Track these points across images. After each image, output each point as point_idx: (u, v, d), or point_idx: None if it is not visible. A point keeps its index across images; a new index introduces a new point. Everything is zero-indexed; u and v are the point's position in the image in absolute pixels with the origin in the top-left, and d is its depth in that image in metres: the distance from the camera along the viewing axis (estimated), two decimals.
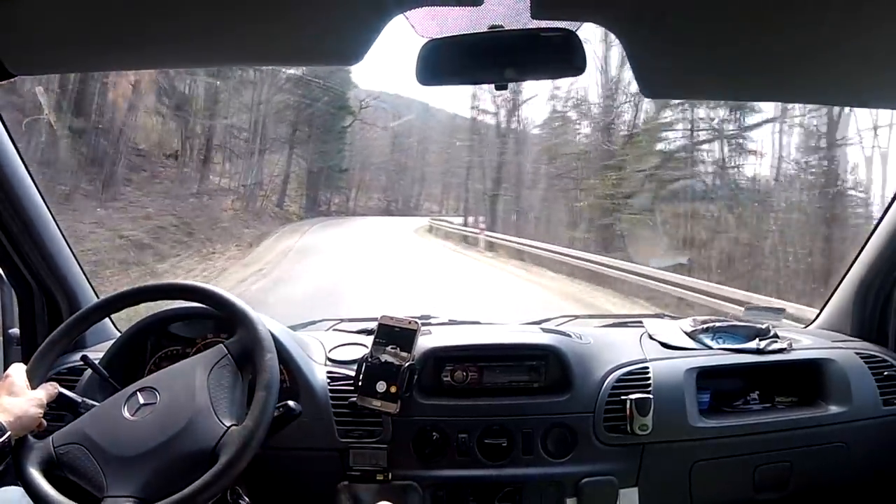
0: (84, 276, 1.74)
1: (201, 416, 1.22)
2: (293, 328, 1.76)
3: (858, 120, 9.90)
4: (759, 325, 1.80)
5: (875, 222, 1.83)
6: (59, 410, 1.32)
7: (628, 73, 13.41)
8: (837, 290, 1.95)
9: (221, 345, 1.33)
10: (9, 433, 1.16)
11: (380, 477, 1.52)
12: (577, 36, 1.33)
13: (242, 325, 1.33)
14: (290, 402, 1.30)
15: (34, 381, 1.28)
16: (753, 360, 1.70)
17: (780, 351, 1.71)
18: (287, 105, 19.33)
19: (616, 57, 13.50)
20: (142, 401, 1.25)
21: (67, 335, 1.38)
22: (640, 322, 1.92)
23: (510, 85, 1.47)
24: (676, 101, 12.03)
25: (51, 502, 1.17)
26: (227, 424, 1.21)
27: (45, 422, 1.27)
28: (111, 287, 7.58)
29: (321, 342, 1.70)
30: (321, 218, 20.87)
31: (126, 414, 1.23)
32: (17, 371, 1.29)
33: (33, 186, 1.57)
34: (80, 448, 1.21)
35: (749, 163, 12.00)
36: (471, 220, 19.36)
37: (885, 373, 1.70)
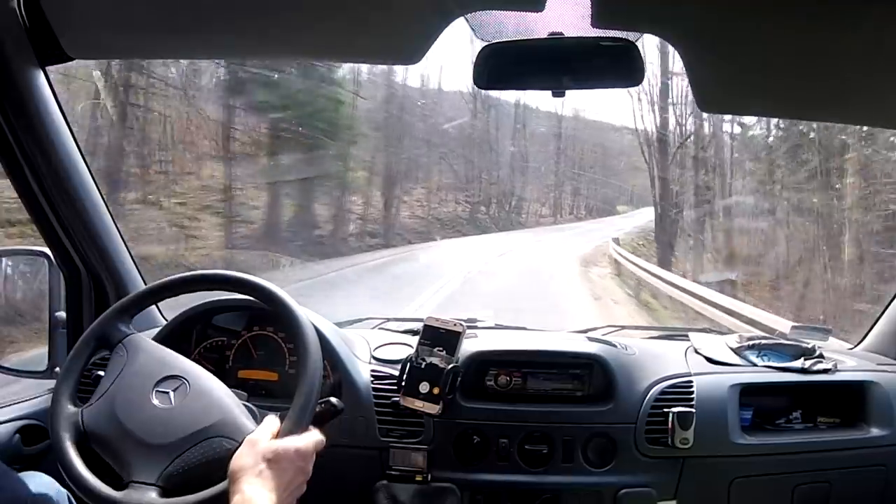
0: (133, 262, 1.75)
1: (228, 415, 1.21)
2: (339, 325, 1.76)
3: None
4: (804, 345, 1.78)
5: None
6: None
7: None
8: (885, 313, 1.93)
9: None
10: None
11: (419, 478, 1.52)
12: (636, 47, 1.32)
13: (288, 319, 1.34)
14: (333, 399, 1.30)
15: (67, 385, 1.29)
16: (797, 379, 1.69)
17: (825, 371, 1.69)
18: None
19: None
20: (171, 389, 1.25)
21: (95, 338, 1.36)
22: (686, 336, 1.91)
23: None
24: None
25: (82, 480, 1.17)
26: (253, 428, 1.20)
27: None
28: None
29: (367, 340, 1.70)
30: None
31: (155, 401, 1.23)
32: (274, 426, 1.18)
33: (86, 170, 1.58)
34: (110, 427, 1.21)
35: None
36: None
37: None
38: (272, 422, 1.18)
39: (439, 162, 24.15)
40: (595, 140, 29.13)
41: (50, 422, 1.25)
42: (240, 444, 1.15)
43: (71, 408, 1.25)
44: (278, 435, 1.15)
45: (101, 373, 1.31)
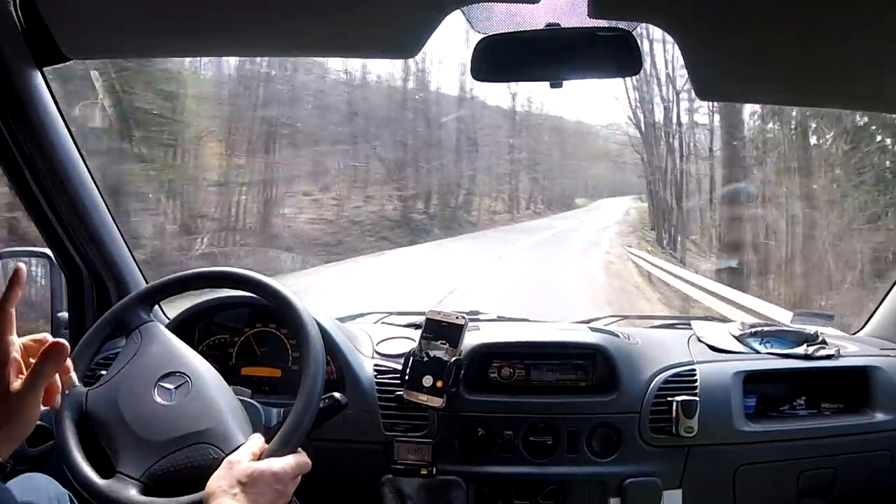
0: (134, 262, 1.75)
1: (221, 424, 1.20)
2: (342, 320, 1.76)
3: None
4: (807, 331, 1.79)
5: None
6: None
7: None
8: (887, 298, 1.93)
9: None
10: None
11: (424, 471, 1.51)
12: (633, 36, 1.33)
13: (290, 315, 1.34)
14: (336, 394, 1.30)
15: (80, 365, 1.28)
16: (801, 366, 1.69)
17: (828, 357, 1.70)
18: None
19: None
20: (173, 386, 1.25)
21: (117, 320, 1.39)
22: (689, 324, 1.92)
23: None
24: None
25: (72, 459, 1.19)
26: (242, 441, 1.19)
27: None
28: None
29: (369, 335, 1.70)
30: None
31: (156, 397, 1.23)
32: (256, 446, 1.16)
33: (86, 170, 1.58)
34: (109, 413, 1.22)
35: None
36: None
37: None
38: (255, 441, 1.16)
39: (353, 145, 18.25)
40: (551, 125, 26.74)
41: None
42: (225, 457, 1.13)
43: (79, 386, 1.25)
44: (260, 456, 1.13)
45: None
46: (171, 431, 1.18)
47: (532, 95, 25.09)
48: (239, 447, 1.15)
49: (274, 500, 1.08)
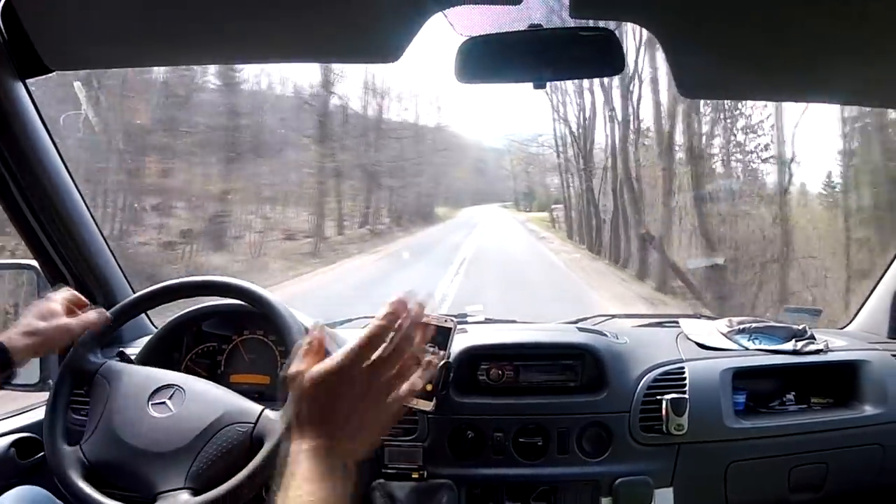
0: (121, 272, 1.75)
1: (232, 405, 1.25)
2: (330, 325, 1.76)
3: None
4: (795, 327, 1.79)
5: None
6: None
7: None
8: (874, 292, 1.94)
9: None
10: (14, 365, 1.22)
11: (415, 475, 1.52)
12: (615, 36, 1.33)
13: (277, 321, 1.34)
14: None
15: (56, 430, 1.30)
16: (789, 361, 1.69)
17: (817, 352, 1.70)
18: None
19: None
20: (167, 398, 1.26)
21: (104, 330, 1.40)
22: (677, 322, 1.92)
23: None
24: None
25: None
26: (260, 408, 1.24)
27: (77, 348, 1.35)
28: None
29: None
30: None
31: (154, 413, 1.25)
32: (60, 294, 1.34)
33: (70, 181, 1.58)
34: (117, 451, 1.23)
35: None
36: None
37: None
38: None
39: None
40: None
41: (54, 467, 1.25)
42: (255, 425, 1.19)
43: (68, 447, 1.26)
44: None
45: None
46: (189, 434, 1.20)
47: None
48: (263, 412, 1.22)
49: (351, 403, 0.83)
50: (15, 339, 1.22)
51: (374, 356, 0.84)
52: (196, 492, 1.16)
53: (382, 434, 0.87)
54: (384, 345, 0.84)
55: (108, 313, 1.37)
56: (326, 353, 1.43)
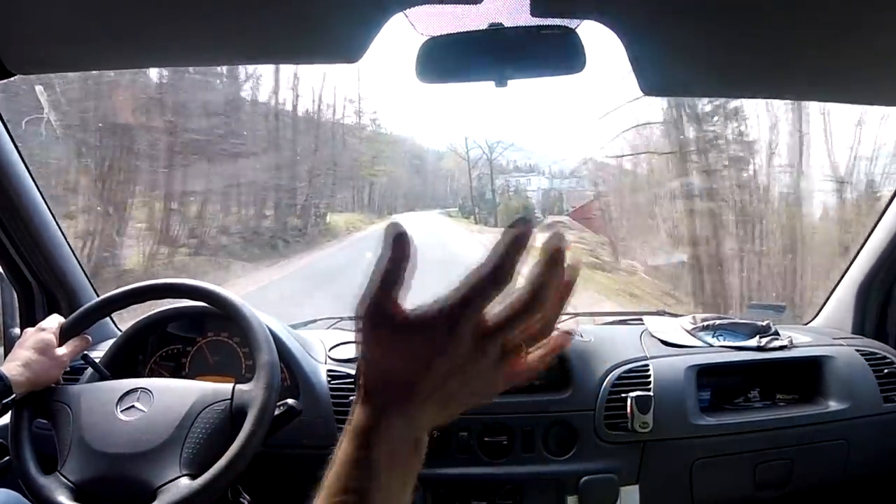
0: (84, 275, 1.74)
1: (203, 389, 1.28)
2: (294, 326, 1.76)
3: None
4: (759, 323, 1.80)
5: (875, 219, 1.82)
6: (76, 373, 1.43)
7: None
8: (838, 287, 1.95)
9: None
10: (13, 395, 1.23)
11: None
12: (576, 34, 1.33)
13: (241, 323, 1.34)
14: (291, 401, 1.31)
15: (27, 461, 1.28)
16: (754, 358, 1.70)
17: (781, 348, 1.71)
18: None
19: None
20: (135, 401, 1.27)
21: (66, 334, 1.39)
22: (641, 320, 1.92)
23: None
24: None
25: None
26: (231, 385, 1.28)
27: (61, 379, 1.35)
28: None
29: (322, 341, 1.69)
30: None
31: (126, 417, 1.25)
32: (52, 323, 1.37)
33: (33, 185, 1.57)
34: (99, 465, 1.21)
35: None
36: None
37: (886, 370, 1.70)
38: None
39: None
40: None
41: (40, 500, 1.23)
42: (231, 400, 1.25)
43: (44, 479, 1.24)
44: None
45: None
46: (168, 427, 1.23)
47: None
48: (235, 386, 1.28)
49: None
50: (15, 372, 1.25)
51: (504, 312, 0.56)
52: (193, 476, 1.18)
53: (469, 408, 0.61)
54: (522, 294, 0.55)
55: (88, 336, 1.42)
56: (289, 358, 1.44)
